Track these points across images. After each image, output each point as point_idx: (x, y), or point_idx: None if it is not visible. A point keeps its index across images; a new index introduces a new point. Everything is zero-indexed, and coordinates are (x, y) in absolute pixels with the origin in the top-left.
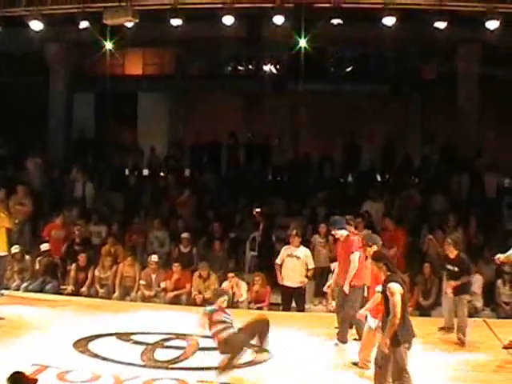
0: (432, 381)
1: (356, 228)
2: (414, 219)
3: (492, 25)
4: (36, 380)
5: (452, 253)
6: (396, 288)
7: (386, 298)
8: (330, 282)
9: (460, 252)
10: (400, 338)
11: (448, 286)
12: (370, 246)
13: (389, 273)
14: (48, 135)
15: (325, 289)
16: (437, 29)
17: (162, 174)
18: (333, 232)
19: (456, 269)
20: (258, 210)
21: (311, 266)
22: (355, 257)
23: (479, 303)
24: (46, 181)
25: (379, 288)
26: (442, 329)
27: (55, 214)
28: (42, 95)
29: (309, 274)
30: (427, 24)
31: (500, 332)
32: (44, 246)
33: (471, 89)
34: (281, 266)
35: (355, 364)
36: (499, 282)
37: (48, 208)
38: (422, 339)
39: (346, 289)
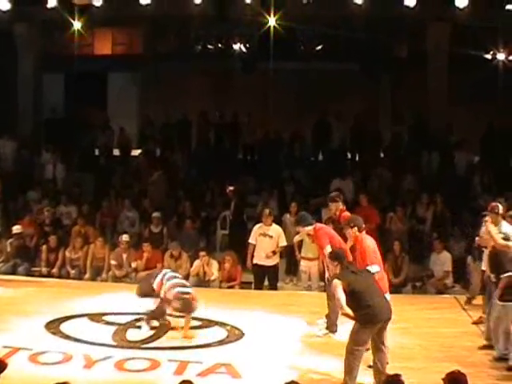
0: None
1: None
2: (384, 197)
3: (461, 3)
4: (6, 364)
5: None
6: (335, 283)
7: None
8: None
9: None
10: (361, 321)
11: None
12: (352, 227)
13: (341, 271)
14: (18, 116)
15: None
16: (407, 7)
17: (135, 153)
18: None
19: None
20: (231, 187)
21: (283, 243)
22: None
23: (449, 280)
24: (17, 162)
25: (377, 268)
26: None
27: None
28: (11, 76)
29: (277, 250)
30: (397, 2)
31: (469, 308)
32: (16, 229)
33: (441, 67)
34: (254, 245)
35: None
36: (469, 258)
37: (18, 189)
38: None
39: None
